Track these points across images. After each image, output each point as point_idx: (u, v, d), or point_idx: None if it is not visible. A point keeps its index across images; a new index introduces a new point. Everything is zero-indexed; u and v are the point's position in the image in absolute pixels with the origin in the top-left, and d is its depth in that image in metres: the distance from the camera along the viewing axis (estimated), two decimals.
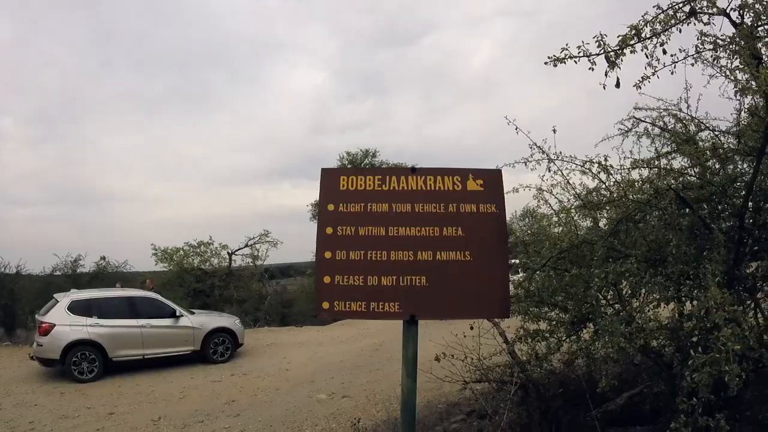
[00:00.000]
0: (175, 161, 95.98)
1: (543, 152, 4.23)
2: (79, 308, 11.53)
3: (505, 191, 3.31)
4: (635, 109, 4.42)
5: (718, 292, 2.92)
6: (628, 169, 4.13)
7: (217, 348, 12.76)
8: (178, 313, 12.56)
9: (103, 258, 21.25)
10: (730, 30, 3.37)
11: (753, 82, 3.30)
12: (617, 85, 3.23)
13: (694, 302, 3.53)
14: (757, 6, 3.27)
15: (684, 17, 3.22)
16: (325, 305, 3.13)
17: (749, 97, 3.62)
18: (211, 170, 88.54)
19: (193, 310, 14.05)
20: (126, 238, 53.90)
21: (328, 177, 3.32)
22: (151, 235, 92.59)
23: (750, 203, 3.67)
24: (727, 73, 3.44)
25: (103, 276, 20.13)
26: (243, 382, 10.75)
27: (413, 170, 3.31)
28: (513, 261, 5.18)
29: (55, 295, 12.39)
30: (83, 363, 11.02)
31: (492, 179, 3.26)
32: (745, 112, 3.88)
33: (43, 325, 11.12)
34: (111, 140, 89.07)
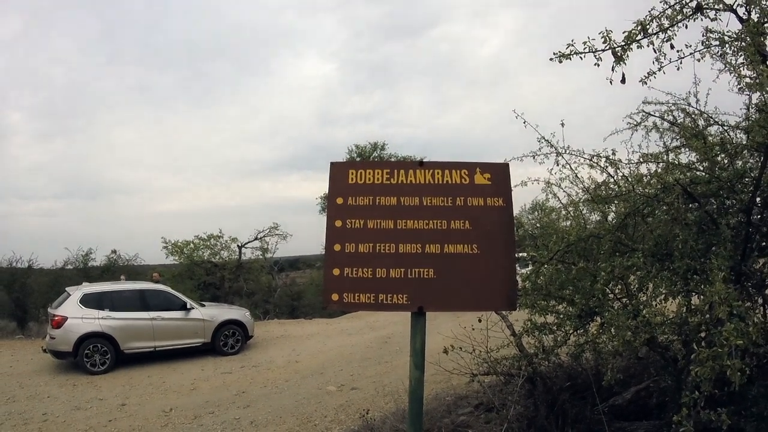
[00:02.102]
0: (184, 153, 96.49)
1: (551, 146, 4.24)
2: (91, 301, 11.66)
3: (513, 184, 3.35)
4: (644, 103, 4.41)
5: (723, 287, 2.93)
6: (636, 163, 4.14)
7: (228, 340, 12.87)
8: (188, 306, 12.68)
9: (114, 251, 21.50)
10: (736, 26, 3.37)
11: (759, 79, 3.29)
12: (623, 80, 3.24)
13: (701, 297, 3.54)
14: (764, 2, 3.26)
15: (690, 13, 3.23)
16: (334, 297, 3.18)
17: (758, 93, 3.61)
18: (219, 162, 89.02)
19: (204, 303, 14.19)
20: (136, 230, 54.53)
21: (337, 170, 3.36)
22: (161, 226, 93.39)
23: (758, 199, 3.67)
24: (731, 69, 3.43)
25: (114, 269, 20.30)
26: (253, 373, 10.85)
27: (421, 164, 3.35)
28: (521, 254, 5.19)
29: (67, 288, 12.53)
30: (95, 355, 11.16)
31: (499, 173, 3.29)
32: (752, 107, 3.87)
33: (56, 318, 11.26)
34: (120, 133, 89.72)
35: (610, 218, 4.53)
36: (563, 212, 5.09)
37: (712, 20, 3.30)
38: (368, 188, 3.28)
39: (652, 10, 3.20)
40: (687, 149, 4.16)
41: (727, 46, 3.32)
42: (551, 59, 3.23)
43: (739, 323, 2.82)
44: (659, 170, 3.93)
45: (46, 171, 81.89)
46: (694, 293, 3.78)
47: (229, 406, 8.44)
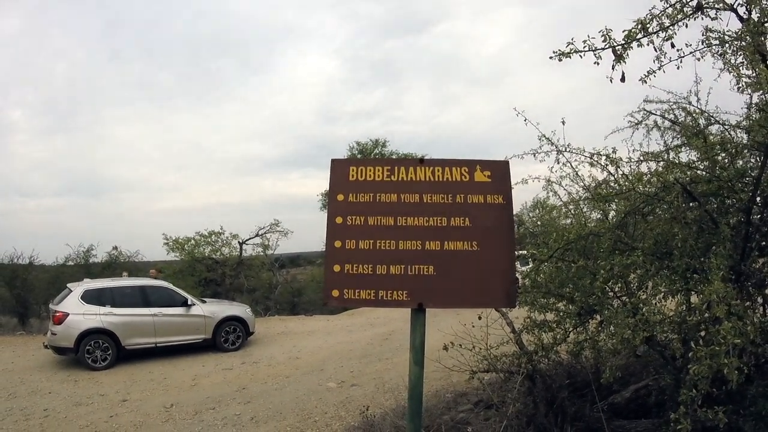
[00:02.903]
0: (186, 150, 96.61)
1: (552, 144, 4.25)
2: (92, 297, 11.65)
3: (514, 182, 3.36)
4: (645, 101, 4.41)
5: (722, 285, 2.93)
6: (637, 161, 4.14)
7: (228, 336, 12.87)
8: (189, 302, 12.66)
9: (115, 248, 21.51)
10: (737, 25, 3.38)
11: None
12: (622, 79, 3.24)
13: (700, 295, 3.55)
14: (764, 2, 3.26)
15: (691, 12, 3.23)
16: (335, 293, 3.19)
17: (758, 93, 3.61)
18: (221, 159, 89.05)
19: (205, 299, 14.22)
20: (137, 227, 54.55)
21: (338, 167, 3.37)
22: (162, 223, 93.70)
23: (758, 198, 3.67)
24: (731, 69, 3.43)
25: (115, 266, 20.33)
26: (254, 370, 10.86)
27: (422, 161, 3.36)
28: (521, 252, 5.20)
29: (68, 285, 12.53)
30: (96, 351, 11.15)
31: (499, 170, 3.30)
32: (753, 107, 3.86)
33: (57, 314, 11.26)
34: (121, 130, 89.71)
35: (610, 216, 4.54)
36: (563, 210, 5.10)
37: (712, 19, 3.31)
38: (369, 185, 3.29)
39: (652, 9, 3.21)
40: (687, 148, 4.16)
41: (727, 45, 3.33)
42: (551, 57, 3.24)
43: (738, 322, 2.83)
44: (660, 169, 3.93)
45: (47, 168, 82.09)
46: (693, 292, 3.79)
47: (230, 402, 8.46)
